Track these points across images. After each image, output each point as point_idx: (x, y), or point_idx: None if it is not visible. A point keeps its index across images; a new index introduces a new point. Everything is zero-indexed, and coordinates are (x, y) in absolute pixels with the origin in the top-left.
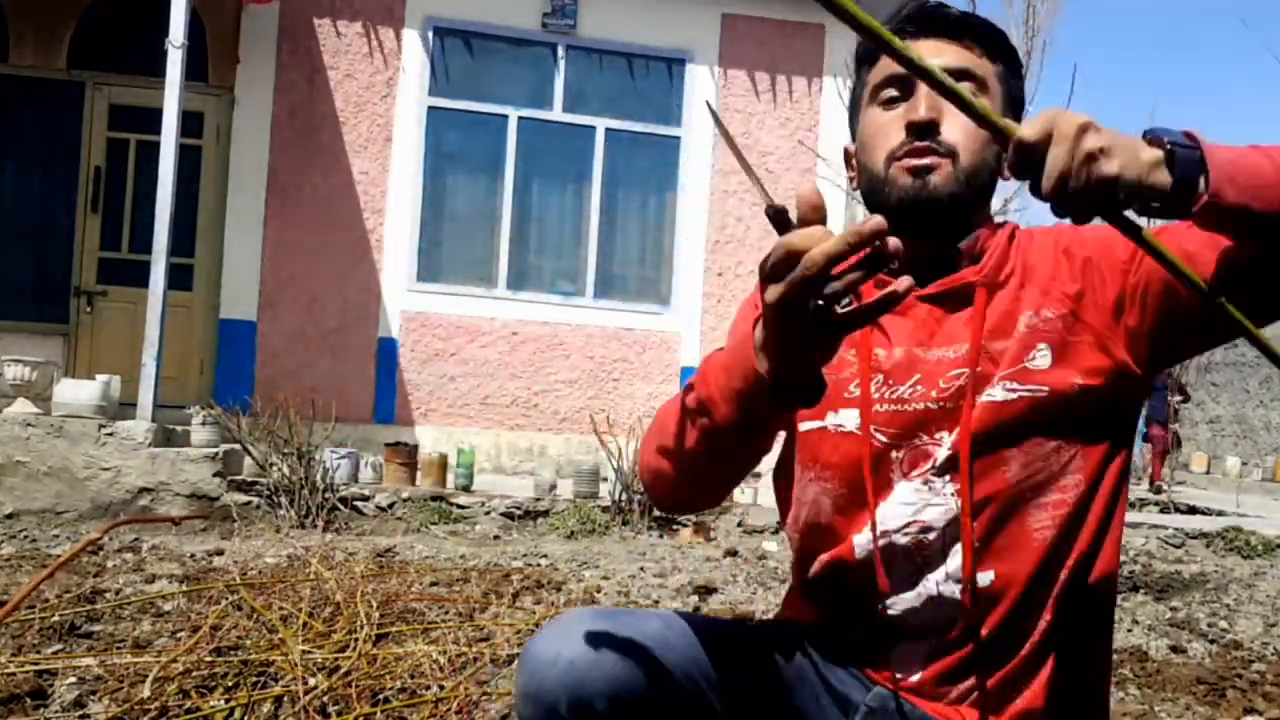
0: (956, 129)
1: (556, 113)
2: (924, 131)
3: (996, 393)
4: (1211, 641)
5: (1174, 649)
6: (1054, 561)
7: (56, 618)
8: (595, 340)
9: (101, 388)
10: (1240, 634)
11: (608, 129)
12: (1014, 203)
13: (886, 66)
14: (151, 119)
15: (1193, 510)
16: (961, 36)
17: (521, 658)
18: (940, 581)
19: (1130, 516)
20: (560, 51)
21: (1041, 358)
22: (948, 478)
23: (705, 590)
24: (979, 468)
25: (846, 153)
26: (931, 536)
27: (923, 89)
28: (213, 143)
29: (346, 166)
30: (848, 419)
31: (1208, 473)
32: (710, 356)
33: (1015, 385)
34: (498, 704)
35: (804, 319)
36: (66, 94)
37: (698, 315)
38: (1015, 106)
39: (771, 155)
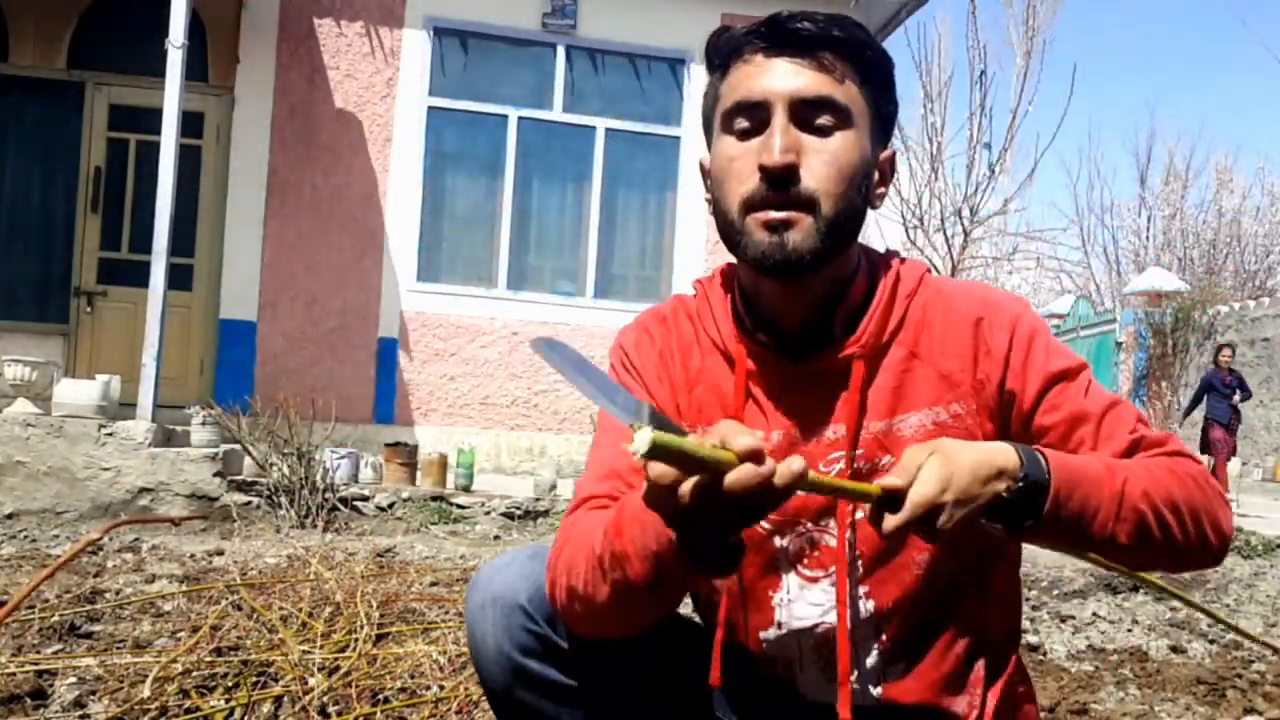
0: (817, 170)
1: (556, 113)
2: (780, 181)
3: None
4: (1211, 641)
5: (1174, 649)
6: (981, 644)
7: (56, 618)
8: (595, 340)
9: (101, 388)
10: None
11: (608, 129)
12: (1014, 203)
13: (738, 87)
14: (151, 119)
15: None
16: (821, 53)
17: (473, 582)
18: (853, 682)
19: None
20: (560, 51)
21: None
22: (855, 580)
23: None
24: (889, 570)
25: (702, 167)
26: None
27: (778, 120)
28: (213, 143)
29: (346, 166)
30: None
31: None
32: (625, 502)
33: None
34: None
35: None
36: (66, 94)
37: None
38: (885, 124)
39: None
